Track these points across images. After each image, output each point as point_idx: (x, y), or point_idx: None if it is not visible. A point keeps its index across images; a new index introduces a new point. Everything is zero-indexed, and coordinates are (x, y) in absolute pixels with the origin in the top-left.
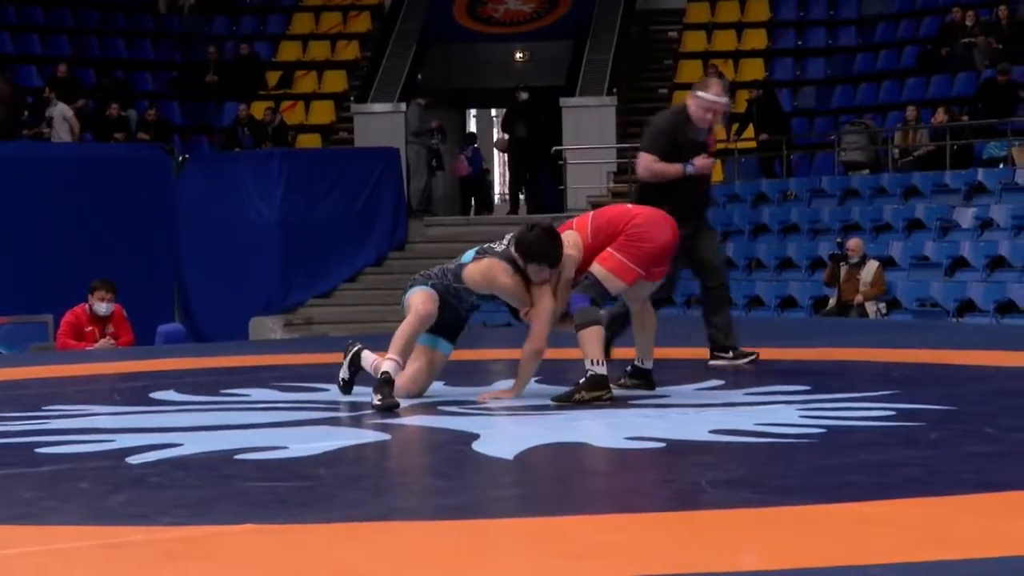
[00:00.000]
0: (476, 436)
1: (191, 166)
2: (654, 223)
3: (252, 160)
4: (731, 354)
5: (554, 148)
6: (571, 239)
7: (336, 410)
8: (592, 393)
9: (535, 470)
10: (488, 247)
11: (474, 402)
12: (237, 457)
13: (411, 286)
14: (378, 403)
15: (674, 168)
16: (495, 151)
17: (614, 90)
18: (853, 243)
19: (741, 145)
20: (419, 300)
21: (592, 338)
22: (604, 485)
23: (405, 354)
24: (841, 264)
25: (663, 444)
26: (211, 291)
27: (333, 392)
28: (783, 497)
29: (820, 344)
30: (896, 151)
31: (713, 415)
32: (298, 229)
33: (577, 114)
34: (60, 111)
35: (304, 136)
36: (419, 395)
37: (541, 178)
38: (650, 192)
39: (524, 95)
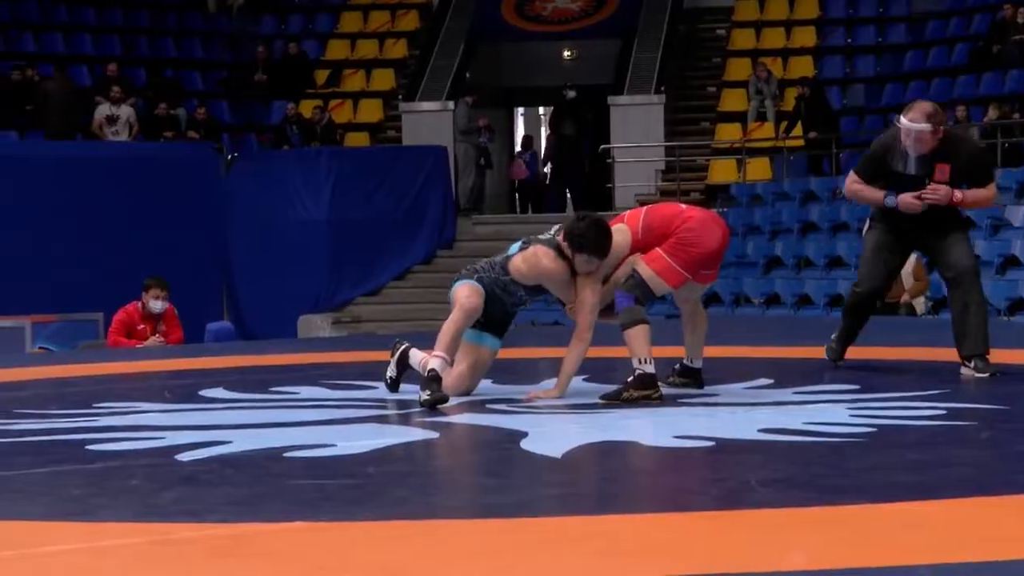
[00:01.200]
0: (524, 434)
1: (240, 164)
2: (706, 227)
3: (301, 158)
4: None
5: (602, 146)
6: (621, 233)
7: (384, 408)
8: (641, 392)
9: (583, 469)
10: (534, 237)
11: (522, 400)
12: (286, 455)
13: (457, 280)
14: (426, 399)
15: (873, 196)
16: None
17: (662, 88)
18: None
19: (790, 143)
20: (464, 294)
21: (639, 337)
22: (652, 484)
23: (452, 350)
24: None
25: (712, 443)
26: (260, 289)
27: (381, 390)
28: (832, 497)
29: (869, 343)
30: None
31: (762, 414)
32: (346, 227)
33: (625, 112)
34: (127, 112)
35: (352, 134)
36: (467, 394)
37: (578, 176)
38: (877, 209)
39: (572, 93)
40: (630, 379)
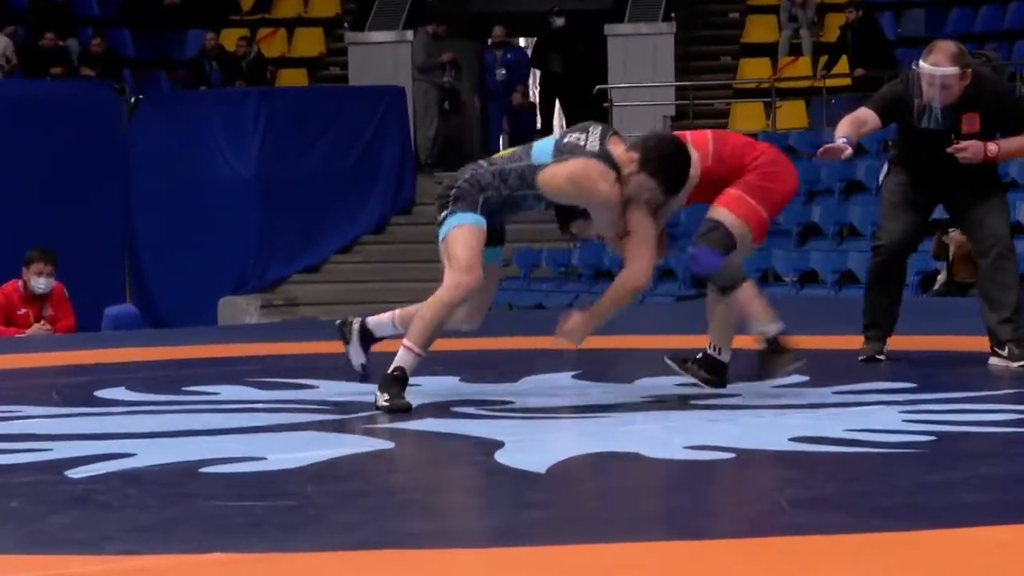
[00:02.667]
0: (500, 444)
1: (146, 108)
2: (782, 163)
3: (222, 101)
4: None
5: (598, 87)
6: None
7: (326, 412)
8: (787, 358)
9: (573, 486)
10: (571, 143)
11: (497, 403)
12: (202, 470)
13: (452, 210)
14: (385, 404)
15: (841, 130)
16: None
17: (672, 15)
18: None
19: (831, 83)
20: (464, 258)
21: (752, 296)
22: (658, 505)
23: (428, 343)
24: (951, 232)
25: (732, 455)
26: (171, 265)
27: (323, 389)
28: (881, 520)
29: (928, 331)
30: None
31: (795, 419)
32: (279, 187)
33: (626, 44)
34: (2, 43)
35: (287, 72)
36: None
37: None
38: (899, 147)
39: (560, 21)
40: (763, 347)
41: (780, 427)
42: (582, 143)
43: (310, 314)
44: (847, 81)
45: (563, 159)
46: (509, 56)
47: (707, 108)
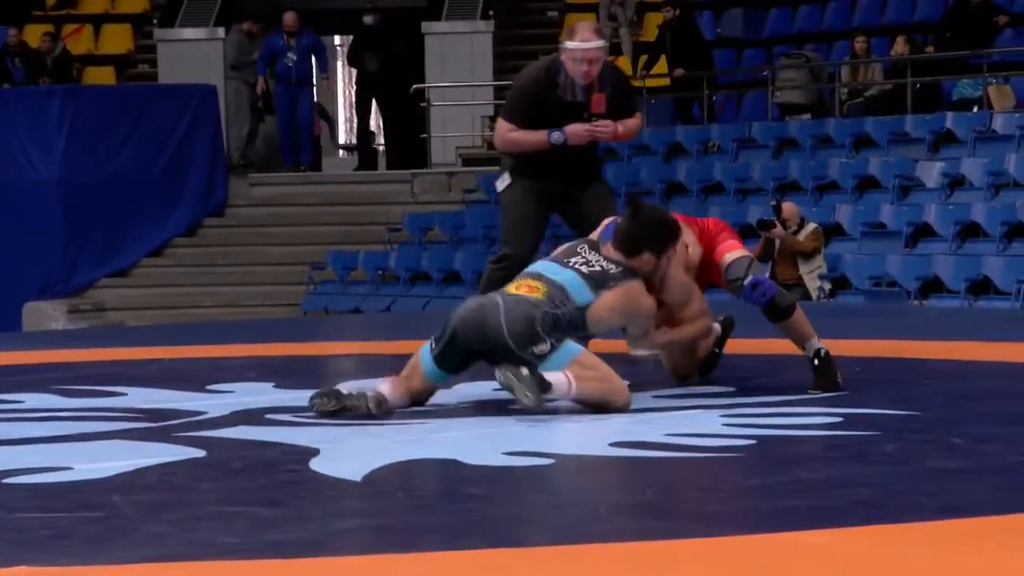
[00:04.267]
0: (315, 452)
1: None
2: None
3: (25, 100)
4: None
5: (415, 86)
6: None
7: (135, 420)
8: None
9: (390, 495)
10: (597, 272)
11: (307, 409)
12: (6, 481)
13: (555, 340)
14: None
15: (535, 138)
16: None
17: (490, 12)
18: (787, 208)
19: (651, 83)
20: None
21: (803, 316)
22: (476, 512)
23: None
24: (774, 233)
25: (551, 460)
26: None
27: (132, 397)
28: (702, 526)
29: (749, 334)
30: (844, 91)
31: (614, 423)
32: (85, 189)
33: (443, 43)
34: None
35: (93, 70)
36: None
37: (399, 123)
38: (517, 158)
39: (370, 19)
40: (816, 362)
41: (600, 432)
42: (608, 269)
43: (118, 319)
44: (666, 81)
45: (600, 295)
46: (305, 41)
47: None
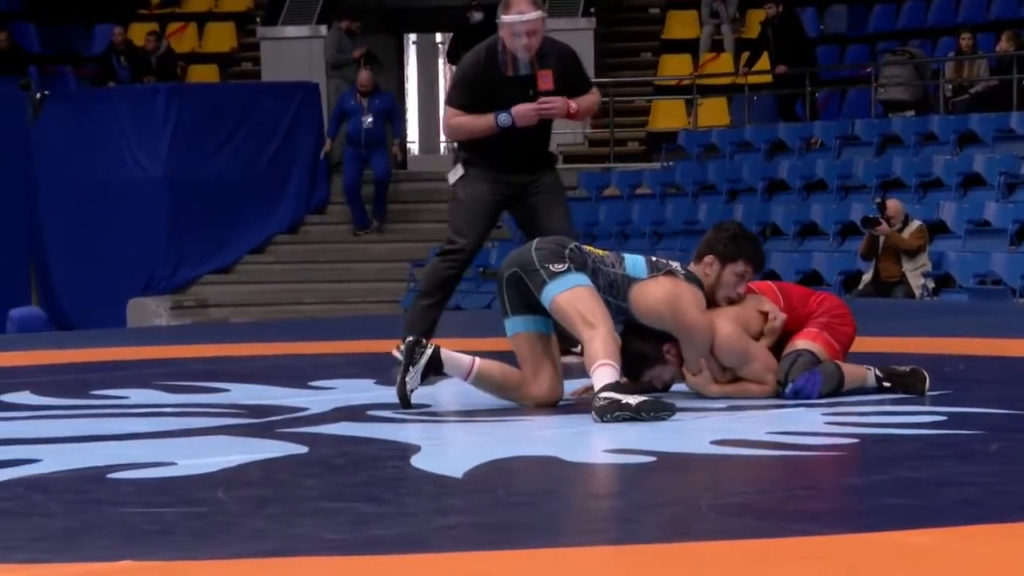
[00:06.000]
0: (416, 449)
1: (52, 106)
2: (846, 306)
3: (131, 98)
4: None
5: None
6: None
7: (237, 416)
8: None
9: (490, 492)
10: (664, 262)
11: (414, 406)
12: (110, 476)
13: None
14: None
15: (483, 122)
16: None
17: (591, 9)
18: (891, 206)
19: (753, 80)
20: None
21: (852, 372)
22: (577, 510)
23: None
24: (879, 230)
25: (652, 458)
26: (78, 266)
27: (235, 393)
28: (804, 525)
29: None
30: (948, 87)
31: (715, 422)
32: (190, 187)
33: None
34: None
35: (197, 67)
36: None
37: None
38: (470, 145)
39: (478, 15)
40: (889, 383)
41: (700, 430)
42: (671, 264)
43: (221, 316)
44: (768, 78)
45: (656, 277)
46: (379, 102)
47: (627, 105)
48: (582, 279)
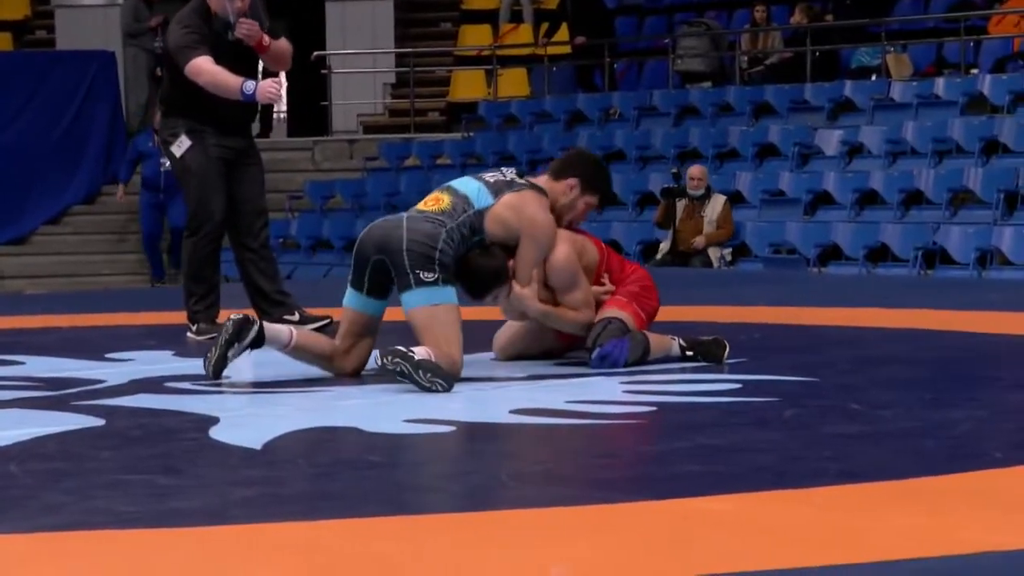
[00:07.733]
0: (215, 420)
1: None
2: (652, 280)
3: None
4: (298, 316)
5: (315, 53)
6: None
7: (33, 388)
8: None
9: (290, 463)
10: (501, 181)
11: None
12: None
13: (439, 278)
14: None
15: (233, 83)
16: None
17: None
18: (695, 170)
19: (552, 51)
20: (458, 342)
21: (659, 342)
22: (377, 480)
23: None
24: (677, 200)
25: (452, 428)
26: None
27: (30, 365)
28: (603, 493)
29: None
30: (744, 59)
31: (515, 391)
32: None
33: (344, 10)
34: None
35: None
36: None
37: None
38: (196, 108)
39: None
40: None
41: (500, 400)
42: (516, 179)
43: (16, 288)
44: (568, 49)
45: (501, 198)
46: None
47: (427, 75)
48: (447, 295)
